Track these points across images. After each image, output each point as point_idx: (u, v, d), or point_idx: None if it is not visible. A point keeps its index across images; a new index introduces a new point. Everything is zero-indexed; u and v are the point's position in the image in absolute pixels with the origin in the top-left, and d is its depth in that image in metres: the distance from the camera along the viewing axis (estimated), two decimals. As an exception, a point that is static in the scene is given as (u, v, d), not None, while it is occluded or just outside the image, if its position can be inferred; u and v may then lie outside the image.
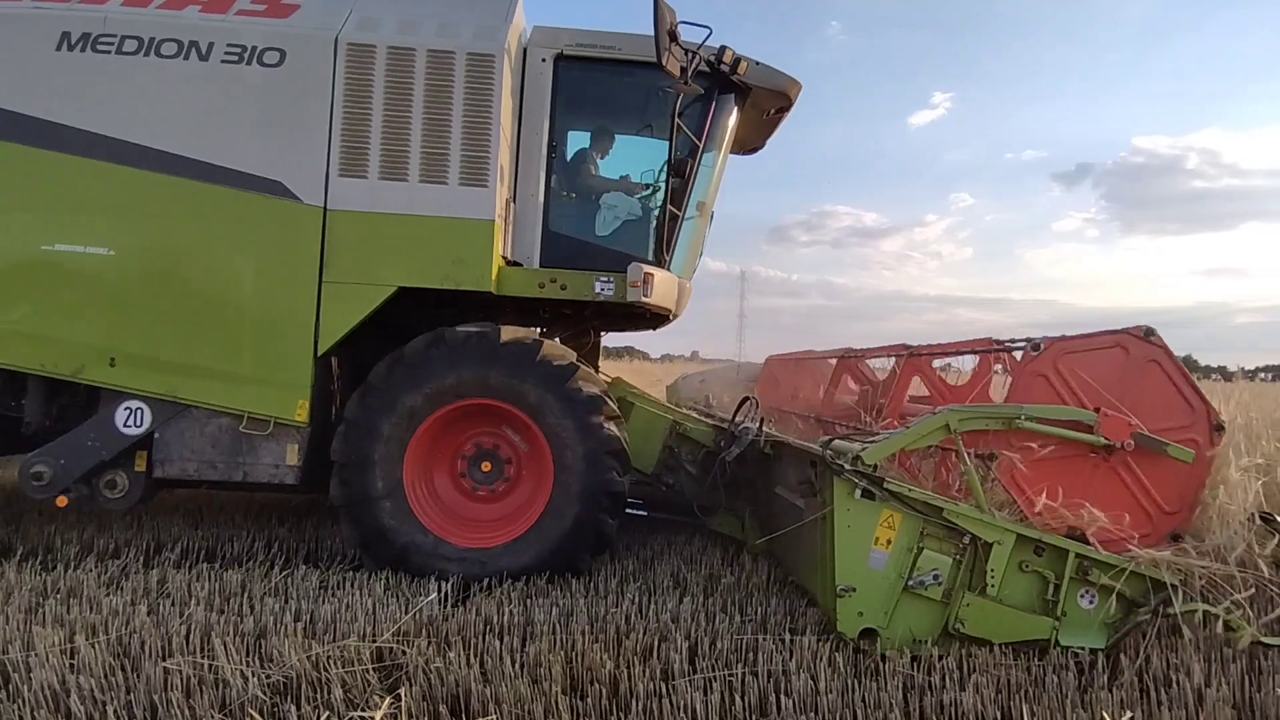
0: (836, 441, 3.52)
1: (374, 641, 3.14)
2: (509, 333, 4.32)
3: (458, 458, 4.49)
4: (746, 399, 5.06)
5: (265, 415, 4.26)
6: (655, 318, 5.23)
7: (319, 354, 4.25)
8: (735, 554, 4.89)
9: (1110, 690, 2.97)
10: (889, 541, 3.28)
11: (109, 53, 4.22)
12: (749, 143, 5.72)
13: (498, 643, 3.19)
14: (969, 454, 3.47)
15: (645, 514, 4.39)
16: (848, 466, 3.27)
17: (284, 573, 4.15)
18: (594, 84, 4.78)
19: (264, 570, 4.21)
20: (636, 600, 3.85)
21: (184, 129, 4.22)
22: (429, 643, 3.19)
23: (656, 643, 3.28)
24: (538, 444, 4.30)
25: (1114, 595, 3.31)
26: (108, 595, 3.68)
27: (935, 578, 3.27)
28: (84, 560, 4.27)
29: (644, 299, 4.48)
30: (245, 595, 3.80)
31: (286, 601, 3.66)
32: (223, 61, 4.25)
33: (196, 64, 4.24)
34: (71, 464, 4.21)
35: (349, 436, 4.21)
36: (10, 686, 2.73)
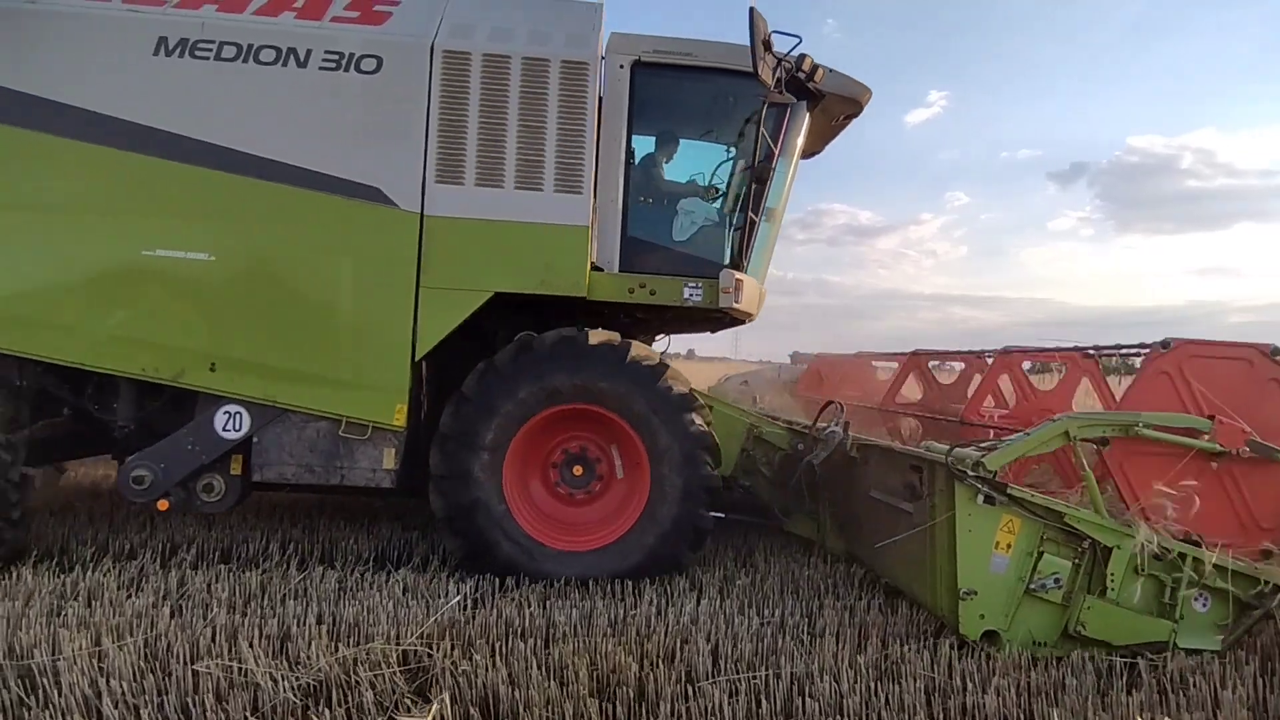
0: (958, 449, 3.54)
1: (399, 644, 3.16)
2: (597, 336, 4.36)
3: (549, 463, 4.51)
4: (830, 403, 5.10)
5: (364, 420, 4.27)
6: (728, 321, 5.23)
7: (416, 359, 4.26)
8: (747, 555, 4.93)
9: (1129, 693, 3.02)
10: (1009, 546, 3.38)
11: (207, 59, 4.22)
12: (810, 148, 5.74)
13: (522, 645, 3.21)
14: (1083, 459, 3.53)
15: (723, 515, 4.43)
16: (970, 473, 3.35)
17: (302, 574, 4.16)
18: (670, 90, 4.78)
19: (281, 571, 4.22)
20: (655, 602, 3.89)
21: (282, 135, 4.24)
22: (453, 645, 3.21)
23: (678, 644, 3.32)
24: (631, 444, 4.33)
25: (1229, 598, 3.40)
26: (129, 598, 3.69)
27: (1056, 581, 3.36)
28: (100, 562, 4.26)
29: (735, 304, 4.53)
30: (265, 597, 3.82)
31: (307, 603, 3.67)
32: (320, 68, 4.27)
33: (295, 71, 4.26)
34: (172, 468, 4.23)
35: (446, 448, 4.22)
36: (39, 692, 2.73)
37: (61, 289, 4.18)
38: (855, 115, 5.20)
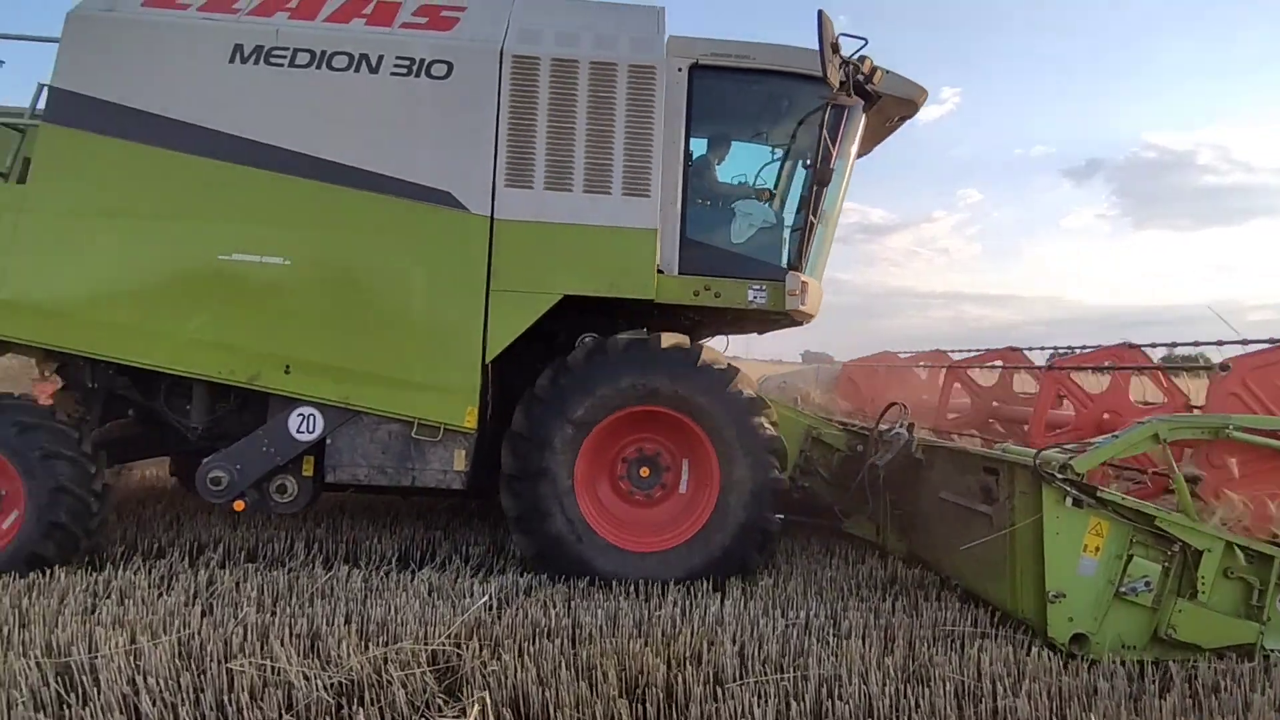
0: (1045, 451, 3.52)
1: (428, 644, 3.19)
2: (668, 339, 4.39)
3: (616, 464, 4.53)
4: (893, 404, 5.12)
5: (435, 421, 4.31)
6: (782, 322, 5.22)
7: (486, 361, 4.29)
8: (769, 556, 4.92)
9: (1162, 697, 2.99)
10: (1098, 549, 3.38)
11: (282, 65, 4.29)
12: (861, 149, 5.71)
13: (550, 645, 3.23)
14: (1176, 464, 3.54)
15: (781, 516, 4.44)
16: (1058, 475, 3.35)
17: (328, 573, 4.20)
18: (728, 93, 4.78)
19: (308, 570, 4.26)
20: (679, 603, 3.89)
21: (355, 140, 4.30)
22: (481, 645, 3.23)
23: (705, 646, 3.32)
24: (700, 447, 4.35)
25: None
26: (160, 596, 3.74)
27: (1146, 584, 3.36)
28: (130, 560, 4.33)
29: (800, 306, 4.54)
30: (294, 596, 3.86)
31: (335, 603, 3.71)
32: (392, 74, 4.32)
33: (367, 76, 4.32)
34: (248, 469, 4.29)
35: (518, 448, 4.26)
36: (79, 690, 2.77)
37: (141, 293, 4.25)
38: (910, 116, 5.17)
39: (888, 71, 4.74)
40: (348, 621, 3.47)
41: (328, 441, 4.34)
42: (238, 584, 3.96)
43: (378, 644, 3.20)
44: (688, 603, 3.91)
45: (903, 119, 5.22)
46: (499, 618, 3.58)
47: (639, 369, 4.29)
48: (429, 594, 3.93)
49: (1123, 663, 3.26)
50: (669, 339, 4.42)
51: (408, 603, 3.71)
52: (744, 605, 3.92)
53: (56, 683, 2.81)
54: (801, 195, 4.83)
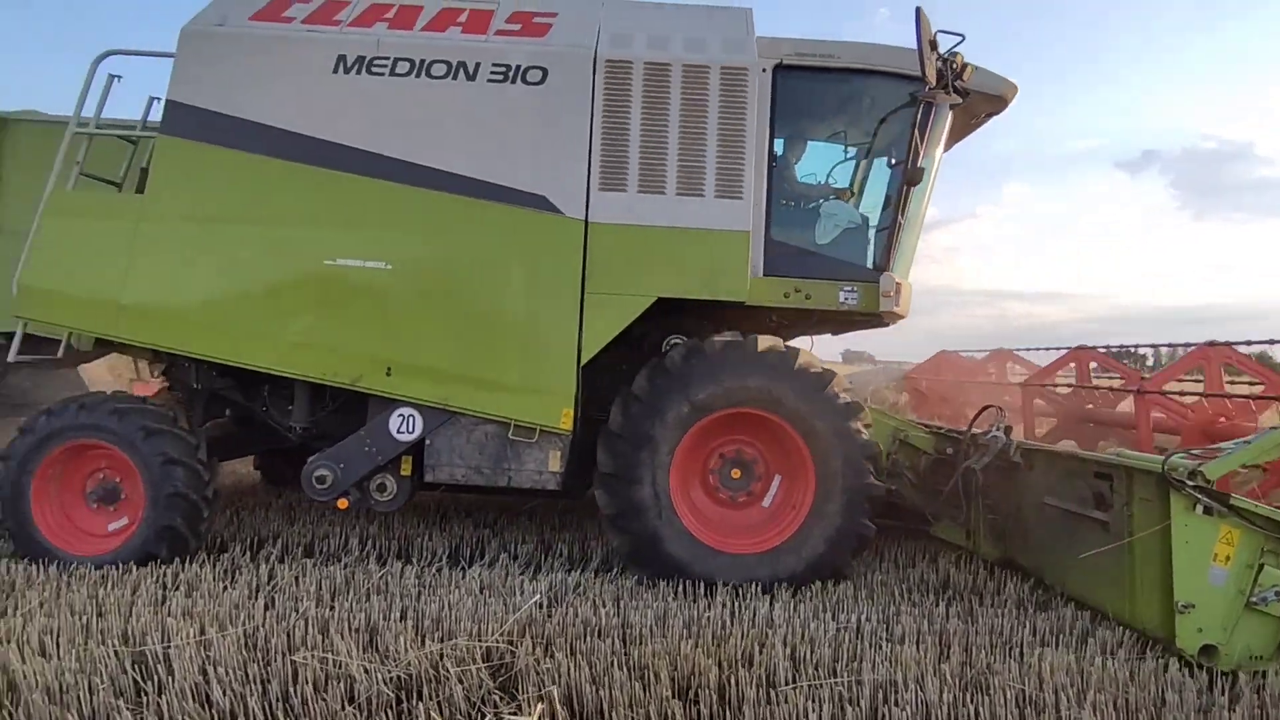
0: (1173, 457, 3.45)
1: (481, 641, 3.24)
2: (764, 341, 4.40)
3: (709, 464, 4.54)
4: (987, 407, 5.05)
5: (532, 423, 4.38)
6: (863, 323, 5.18)
7: (582, 363, 4.35)
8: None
9: (1232, 709, 2.89)
10: (1228, 558, 3.30)
11: (383, 74, 4.41)
12: (945, 146, 5.65)
13: (602, 644, 3.26)
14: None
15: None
16: (1188, 482, 3.28)
17: (382, 570, 4.30)
18: (812, 93, 4.76)
19: (362, 566, 4.37)
20: (728, 604, 3.89)
21: (453, 146, 4.39)
22: (534, 644, 3.27)
23: (756, 648, 3.31)
24: (795, 450, 4.34)
25: None
26: (225, 589, 3.87)
27: (1277, 594, 3.27)
28: (195, 553, 4.48)
29: (895, 308, 4.52)
30: (350, 591, 3.96)
31: (390, 599, 3.79)
32: (489, 81, 4.41)
33: (464, 84, 4.41)
34: (351, 468, 4.43)
35: (615, 447, 4.31)
36: (154, 679, 2.89)
37: (251, 298, 4.40)
38: (998, 112, 5.05)
39: (977, 67, 4.63)
40: (403, 617, 3.55)
41: (427, 442, 4.43)
42: (297, 579, 4.08)
43: (433, 640, 3.26)
44: (736, 604, 3.90)
45: (989, 115, 5.09)
46: (549, 616, 3.62)
47: (737, 371, 4.29)
48: (480, 591, 4.00)
49: (1192, 674, 3.15)
50: (765, 341, 4.41)
51: (460, 600, 3.77)
52: (793, 608, 3.89)
53: (133, 670, 2.94)
54: (887, 195, 4.76)
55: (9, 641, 3.14)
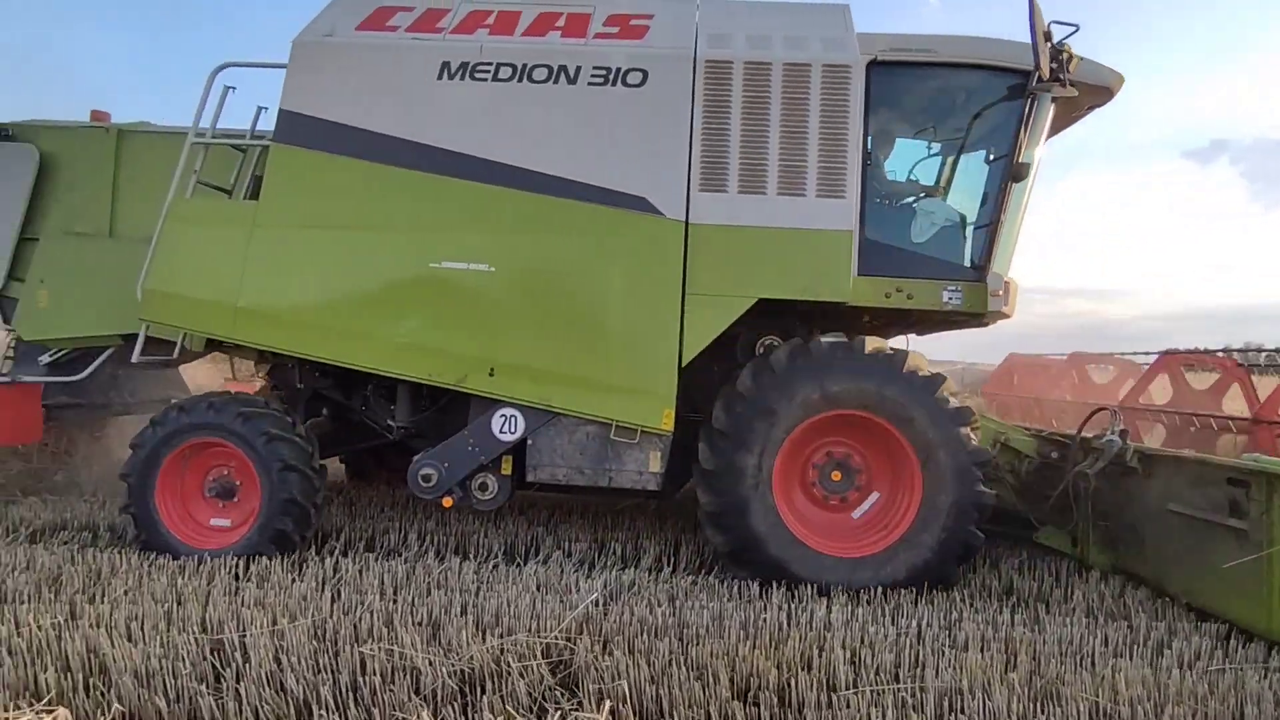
0: None
1: (541, 638, 3.28)
2: (871, 343, 4.37)
3: (809, 466, 4.52)
4: (1101, 409, 4.93)
5: (633, 424, 4.42)
6: (957, 323, 5.08)
7: (683, 364, 4.35)
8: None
9: (1325, 729, 2.75)
10: None
11: (485, 80, 4.50)
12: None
13: (660, 644, 3.27)
14: None
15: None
16: None
17: (441, 565, 4.39)
18: (908, 89, 4.70)
19: (422, 562, 4.47)
20: (783, 606, 3.86)
21: (555, 150, 4.46)
22: (592, 641, 3.30)
23: (815, 650, 3.27)
24: (901, 455, 4.29)
25: None
26: (294, 581, 4.00)
27: None
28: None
29: (1003, 309, 4.45)
30: (412, 585, 4.05)
31: (451, 594, 3.87)
32: (589, 84, 4.47)
33: (565, 87, 4.48)
34: (455, 467, 4.54)
35: (718, 445, 4.31)
36: (232, 666, 3.01)
37: (359, 300, 4.51)
38: (1102, 104, 4.87)
39: (1082, 58, 4.48)
40: (463, 612, 3.62)
41: (528, 441, 4.51)
42: (360, 572, 4.20)
43: (493, 635, 3.32)
44: (793, 606, 3.87)
45: (1092, 107, 4.91)
46: (606, 614, 3.64)
47: (844, 372, 4.24)
48: (537, 589, 4.05)
49: (1271, 686, 3.01)
50: (872, 343, 4.35)
51: (518, 596, 3.83)
52: (851, 611, 3.84)
53: (212, 656, 3.07)
54: (985, 191, 4.64)
55: (99, 626, 3.31)
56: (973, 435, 4.23)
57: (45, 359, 5.42)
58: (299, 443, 4.54)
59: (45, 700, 2.78)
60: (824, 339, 4.36)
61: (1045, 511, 4.76)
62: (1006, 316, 4.64)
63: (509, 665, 3.02)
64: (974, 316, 4.58)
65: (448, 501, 4.56)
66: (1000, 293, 4.39)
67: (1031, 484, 4.85)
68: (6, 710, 2.66)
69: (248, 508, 4.57)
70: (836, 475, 4.45)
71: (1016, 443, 4.98)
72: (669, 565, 4.65)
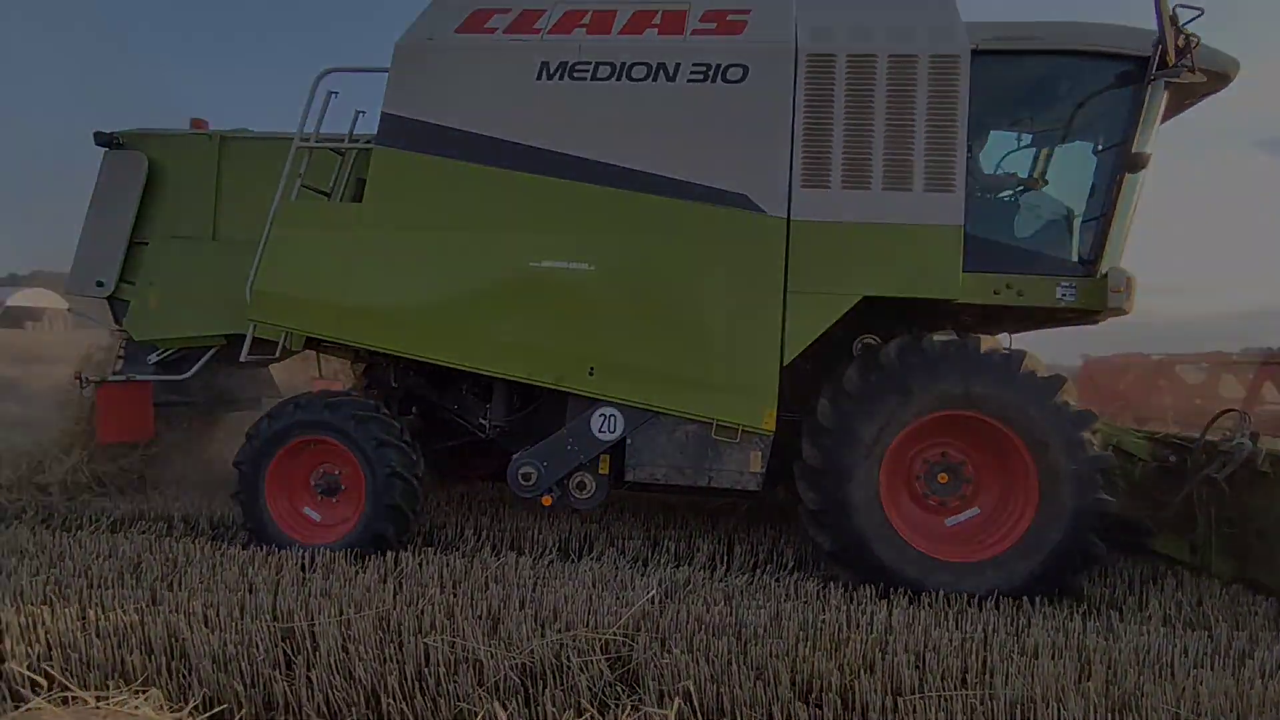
0: None
1: (599, 633, 3.30)
2: (986, 343, 4.25)
3: (914, 466, 4.42)
4: (1227, 410, 4.74)
5: (734, 423, 4.38)
6: (1062, 321, 4.93)
7: (784, 363, 4.30)
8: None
9: None
10: None
11: (584, 79, 4.50)
12: None
13: (718, 642, 3.25)
14: None
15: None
16: None
17: (498, 560, 4.45)
18: (1011, 78, 4.52)
19: (480, 557, 4.53)
20: (843, 608, 3.80)
21: (654, 148, 4.44)
22: (650, 639, 3.30)
23: (878, 653, 3.21)
24: (1016, 458, 4.16)
25: None
26: (358, 574, 4.11)
27: None
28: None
29: (1124, 305, 4.29)
30: (470, 579, 4.11)
31: (509, 589, 3.92)
32: (689, 81, 4.43)
33: (664, 85, 4.45)
34: (554, 466, 4.58)
35: (824, 442, 4.24)
36: (304, 653, 3.11)
37: (460, 300, 4.57)
38: (1217, 91, 4.64)
39: (1200, 42, 4.26)
40: (522, 606, 3.66)
41: (628, 441, 4.50)
42: (420, 565, 4.28)
43: (552, 629, 3.35)
44: (852, 608, 3.80)
45: (1205, 95, 4.68)
46: (662, 612, 3.64)
47: (958, 372, 4.12)
48: (593, 585, 4.07)
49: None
50: (987, 343, 4.22)
51: (575, 592, 3.86)
52: (914, 614, 3.76)
53: (284, 644, 3.17)
54: (1094, 183, 4.44)
55: (178, 612, 3.46)
56: (1095, 441, 4.04)
57: (154, 358, 5.59)
58: (406, 450, 4.62)
59: (139, 681, 2.91)
60: (937, 336, 4.21)
61: (1162, 518, 4.53)
62: (1125, 313, 4.42)
63: (569, 660, 3.04)
64: (1085, 314, 4.39)
65: (547, 500, 4.58)
66: (1122, 289, 4.18)
67: (1145, 489, 4.62)
68: (100, 689, 2.80)
69: (349, 506, 4.69)
70: (944, 478, 4.32)
71: (1129, 445, 4.76)
72: (723, 564, 4.63)
